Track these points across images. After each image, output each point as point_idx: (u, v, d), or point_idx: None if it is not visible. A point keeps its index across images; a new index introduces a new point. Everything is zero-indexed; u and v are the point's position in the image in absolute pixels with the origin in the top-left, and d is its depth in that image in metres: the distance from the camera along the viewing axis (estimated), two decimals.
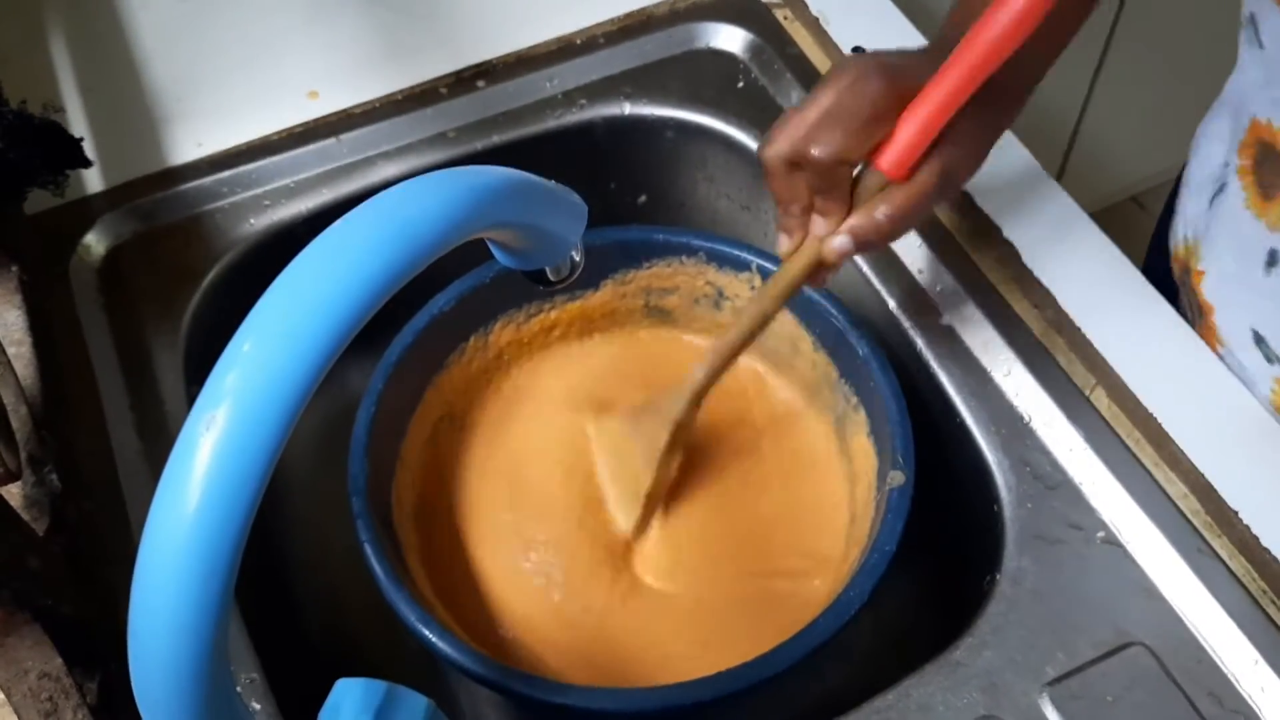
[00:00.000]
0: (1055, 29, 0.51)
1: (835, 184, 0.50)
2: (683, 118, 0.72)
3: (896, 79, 0.49)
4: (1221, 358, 0.60)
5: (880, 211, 0.50)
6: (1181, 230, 0.66)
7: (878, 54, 0.51)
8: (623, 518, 0.60)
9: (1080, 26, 0.56)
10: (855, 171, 0.51)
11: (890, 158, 0.49)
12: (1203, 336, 0.60)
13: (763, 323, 0.55)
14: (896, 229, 0.51)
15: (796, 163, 0.50)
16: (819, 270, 0.54)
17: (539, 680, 0.51)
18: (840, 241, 0.51)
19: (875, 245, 0.52)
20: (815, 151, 0.49)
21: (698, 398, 0.58)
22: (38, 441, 0.52)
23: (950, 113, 0.48)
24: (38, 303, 0.59)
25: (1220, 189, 0.62)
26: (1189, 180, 0.67)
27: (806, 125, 0.49)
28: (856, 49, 0.72)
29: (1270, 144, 0.56)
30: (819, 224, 0.52)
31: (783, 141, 0.50)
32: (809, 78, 0.72)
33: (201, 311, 0.63)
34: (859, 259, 0.65)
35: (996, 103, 0.51)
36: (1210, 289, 0.61)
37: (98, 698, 0.46)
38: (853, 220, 0.51)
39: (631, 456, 0.60)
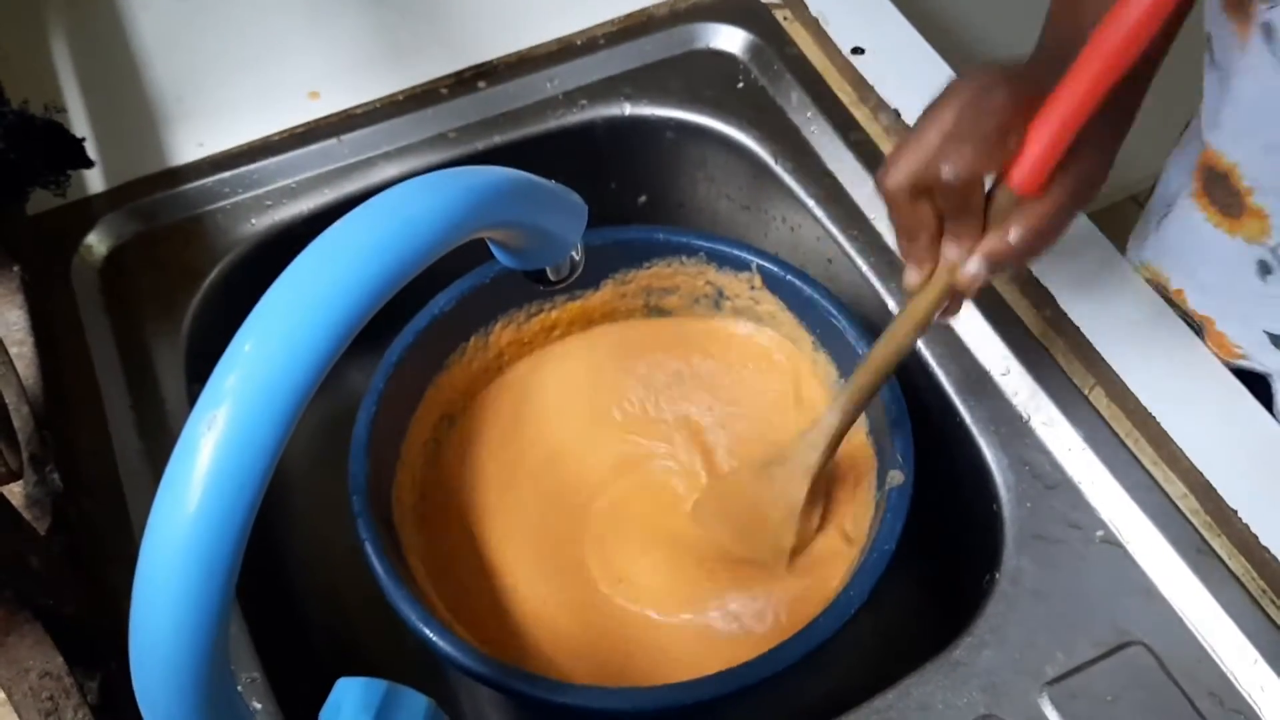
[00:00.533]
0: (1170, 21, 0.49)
1: (968, 207, 0.47)
2: (683, 118, 0.72)
3: (1021, 88, 0.46)
4: (1236, 365, 0.60)
5: (1014, 232, 0.47)
6: (1133, 255, 0.66)
7: (992, 66, 0.48)
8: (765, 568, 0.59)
9: (1187, 14, 0.54)
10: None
11: (1022, 172, 0.46)
12: (1212, 344, 0.60)
13: (896, 360, 0.53)
14: (1034, 248, 0.47)
15: (923, 189, 0.47)
16: (953, 299, 0.51)
17: (539, 679, 0.51)
18: (976, 267, 0.48)
19: (1012, 266, 0.49)
20: (946, 173, 0.45)
21: (832, 447, 0.56)
22: (39, 441, 0.53)
23: (1082, 120, 0.45)
24: (39, 303, 0.59)
25: (1166, 212, 0.62)
26: (1150, 207, 0.67)
27: (929, 148, 0.46)
28: (856, 50, 0.72)
29: (1213, 167, 0.56)
30: (951, 250, 0.49)
31: (906, 167, 0.47)
32: (808, 78, 0.72)
33: (202, 311, 0.63)
34: (858, 259, 0.65)
35: (1120, 104, 0.47)
36: (1198, 304, 0.61)
37: (98, 697, 0.46)
38: (988, 243, 0.47)
39: (764, 512, 0.58)
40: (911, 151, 0.47)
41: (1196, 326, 0.62)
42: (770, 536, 0.58)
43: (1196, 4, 0.57)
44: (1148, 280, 0.63)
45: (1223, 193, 0.56)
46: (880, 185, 0.49)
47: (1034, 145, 0.46)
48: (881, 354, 0.53)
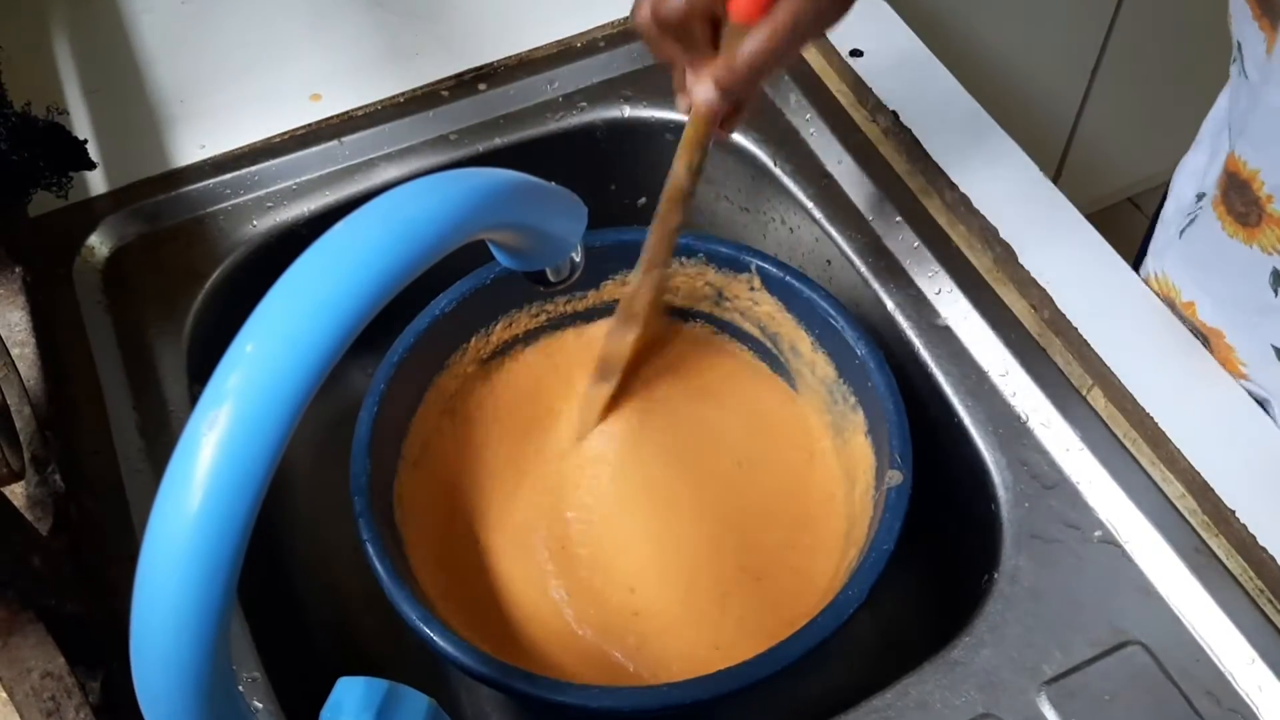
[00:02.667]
0: None
1: (693, 39, 0.49)
2: (682, 120, 0.71)
3: None
4: (1242, 382, 0.60)
5: (738, 57, 0.48)
6: (1150, 266, 0.66)
7: None
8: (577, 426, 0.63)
9: None
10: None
11: (737, 4, 0.47)
12: (1218, 358, 0.60)
13: (680, 190, 0.55)
14: (755, 71, 0.48)
15: (665, 21, 0.49)
16: (720, 122, 0.53)
17: (540, 678, 0.51)
18: (702, 91, 0.50)
19: (740, 90, 0.50)
20: (667, 10, 0.48)
21: (646, 269, 0.59)
22: (41, 441, 0.53)
23: None
24: (41, 304, 0.60)
25: (1190, 221, 0.62)
26: (1163, 217, 0.67)
27: None
28: (855, 52, 0.72)
29: (1235, 174, 0.55)
30: (689, 79, 0.51)
31: (642, 5, 0.49)
32: (807, 80, 0.72)
33: (204, 312, 0.64)
34: (856, 260, 0.65)
35: None
36: (1209, 316, 0.61)
37: (100, 696, 0.46)
38: (712, 69, 0.49)
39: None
40: None
41: (1204, 339, 0.62)
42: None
43: (1220, 12, 0.57)
44: (1156, 293, 0.62)
45: (1241, 200, 0.56)
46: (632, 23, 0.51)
47: None
48: (668, 185, 0.55)
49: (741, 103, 0.53)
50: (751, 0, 0.47)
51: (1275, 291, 0.56)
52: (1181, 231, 0.62)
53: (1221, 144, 0.60)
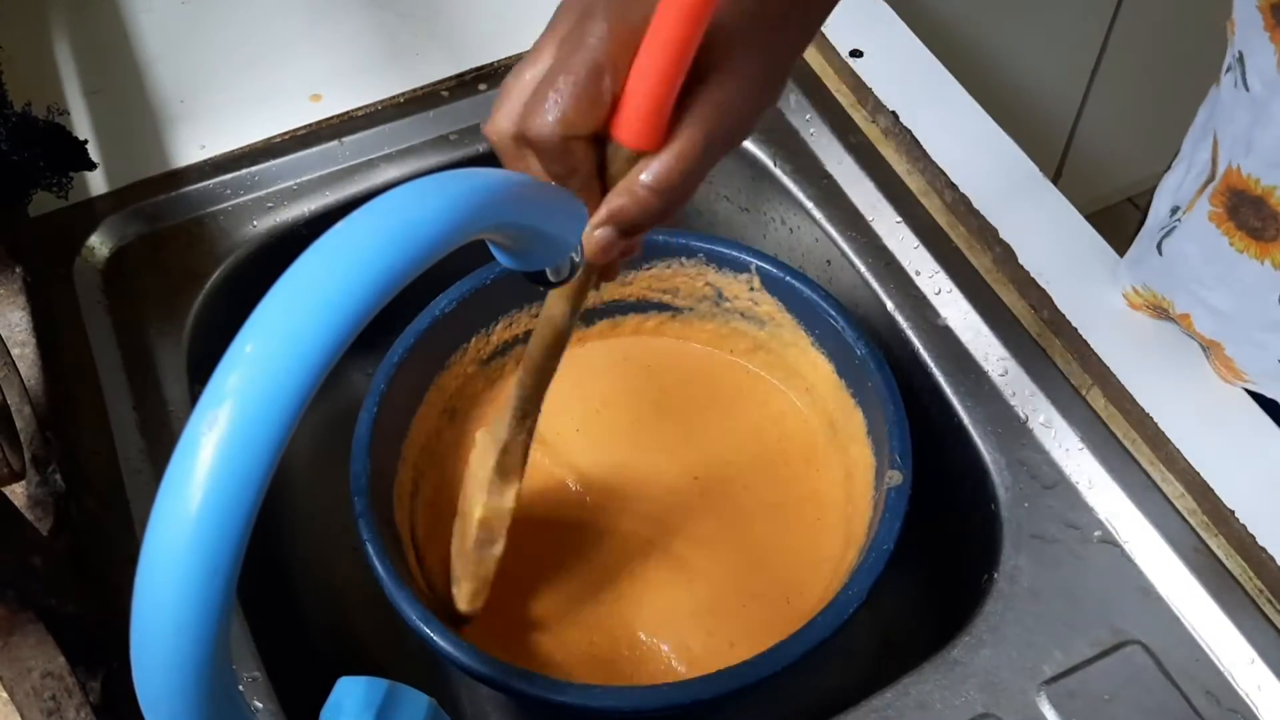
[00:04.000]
0: None
1: (573, 167, 0.39)
2: None
3: (623, 15, 0.37)
4: (1244, 387, 0.59)
5: (640, 185, 0.38)
6: (1128, 279, 0.64)
7: None
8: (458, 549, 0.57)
9: None
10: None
11: (628, 125, 0.37)
12: (1217, 367, 0.60)
13: (558, 334, 0.47)
14: (667, 202, 0.39)
15: (523, 140, 0.39)
16: (601, 270, 0.44)
17: (539, 678, 0.51)
18: (602, 235, 0.40)
19: (647, 226, 0.40)
20: (537, 128, 0.37)
21: (519, 419, 0.52)
22: (42, 441, 0.53)
23: (690, 50, 0.36)
24: (42, 304, 0.60)
25: (1167, 233, 0.60)
26: (1145, 231, 0.65)
27: (525, 92, 0.38)
28: (854, 53, 0.72)
29: (1243, 191, 0.54)
30: None
31: (501, 114, 0.39)
32: (807, 81, 0.72)
33: (204, 312, 0.64)
34: (856, 260, 0.65)
35: (777, 17, 0.40)
36: (1208, 329, 0.60)
37: (100, 696, 0.46)
38: (611, 203, 0.39)
39: (470, 482, 0.56)
40: (506, 95, 0.39)
41: (1202, 347, 0.61)
42: (470, 506, 0.56)
43: (1220, 12, 0.56)
44: (1142, 304, 0.62)
45: (1254, 216, 0.55)
46: (484, 132, 0.41)
47: (634, 90, 0.37)
48: (539, 327, 0.47)
49: (637, 241, 0.42)
50: (647, 123, 0.37)
51: None
52: (1159, 245, 0.61)
53: (1201, 155, 0.59)
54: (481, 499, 0.55)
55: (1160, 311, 0.62)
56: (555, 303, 0.46)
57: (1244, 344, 0.58)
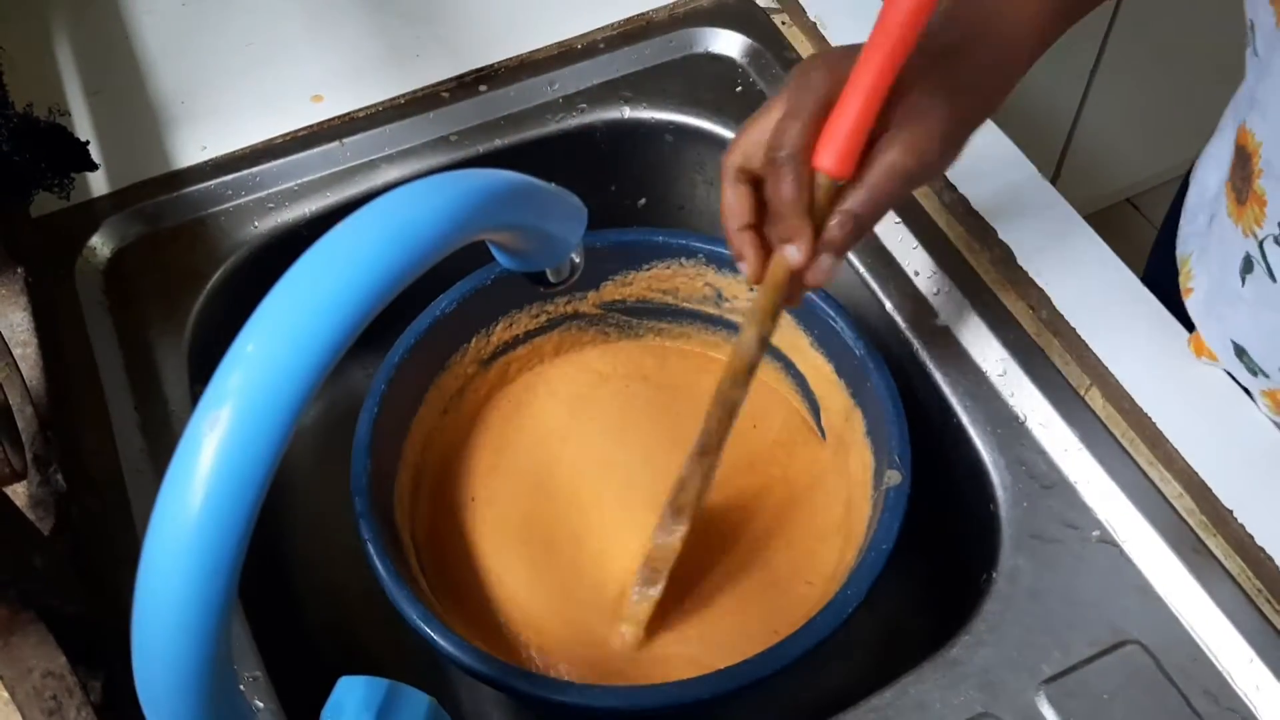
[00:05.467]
0: (1043, 13, 0.48)
1: (792, 192, 0.45)
2: (682, 121, 0.72)
3: (838, 65, 0.45)
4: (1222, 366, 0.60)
5: (844, 212, 0.45)
6: (1179, 249, 0.66)
7: (842, 47, 0.47)
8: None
9: (1077, 17, 0.52)
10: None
11: (827, 154, 0.44)
12: (1197, 348, 0.60)
13: (747, 364, 0.50)
14: (856, 228, 0.46)
15: (750, 173, 0.47)
16: (793, 289, 0.48)
17: (539, 678, 0.51)
18: (827, 261, 0.46)
19: (839, 254, 0.47)
20: (771, 154, 0.45)
21: (698, 458, 0.53)
22: (43, 441, 0.53)
23: (880, 95, 0.43)
24: (43, 304, 0.60)
25: (1216, 211, 0.61)
26: (1187, 206, 0.67)
27: (763, 130, 0.46)
28: None
29: (1243, 146, 0.55)
30: (777, 239, 0.47)
31: (736, 146, 0.47)
32: None
33: (205, 313, 0.64)
34: (855, 261, 0.65)
35: (967, 83, 0.46)
36: (1194, 306, 0.61)
37: (101, 696, 0.46)
38: (828, 233, 0.46)
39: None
40: (745, 133, 0.47)
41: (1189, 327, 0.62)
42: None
43: (1219, 12, 0.56)
44: (1179, 272, 0.62)
45: (1240, 175, 0.56)
46: (722, 166, 0.48)
47: (835, 124, 0.44)
48: (733, 355, 0.50)
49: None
50: (841, 154, 0.44)
51: (1243, 280, 0.56)
52: (1211, 219, 0.62)
53: (1235, 125, 0.59)
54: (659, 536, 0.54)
55: (1177, 287, 0.62)
56: (746, 331, 0.50)
57: (1211, 320, 0.59)
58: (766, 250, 0.48)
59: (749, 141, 0.47)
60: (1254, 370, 0.57)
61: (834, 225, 0.45)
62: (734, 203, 0.47)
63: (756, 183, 0.47)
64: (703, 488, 0.53)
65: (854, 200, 0.45)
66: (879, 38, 0.43)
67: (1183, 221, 0.67)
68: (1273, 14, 0.52)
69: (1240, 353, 0.58)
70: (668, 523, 0.54)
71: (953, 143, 0.47)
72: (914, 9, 0.42)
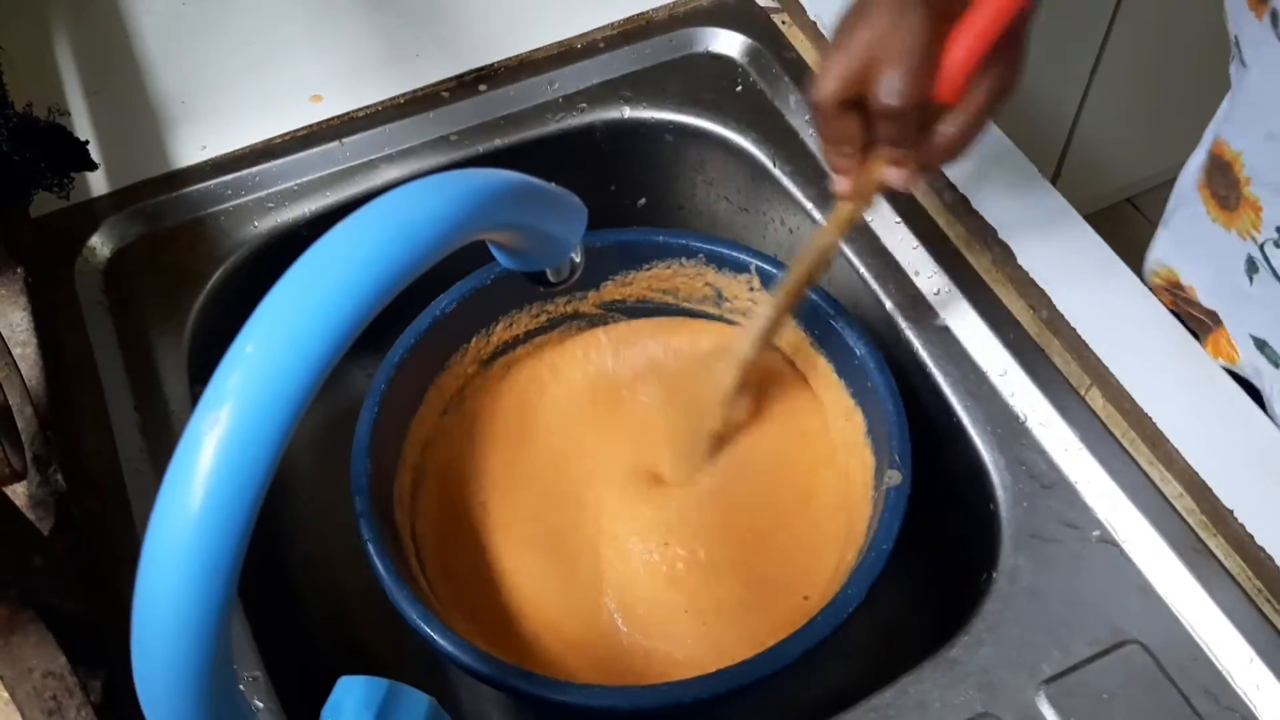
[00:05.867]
0: None
1: (907, 123, 0.49)
2: (682, 121, 0.72)
3: (937, 3, 0.48)
4: (1231, 369, 0.60)
5: (941, 135, 0.50)
6: (1155, 257, 0.66)
7: None
8: (676, 466, 0.62)
9: None
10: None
11: (943, 81, 0.49)
12: (1215, 348, 0.60)
13: (824, 259, 0.56)
14: (954, 151, 0.51)
15: (851, 102, 0.50)
16: (873, 203, 0.54)
17: (540, 677, 0.51)
18: (900, 175, 0.51)
19: (939, 166, 0.53)
20: (888, 95, 0.48)
21: (763, 337, 0.59)
22: (43, 441, 0.53)
23: (1002, 27, 0.48)
24: (43, 304, 0.60)
25: (1176, 208, 0.62)
26: (1166, 213, 0.67)
27: (857, 63, 0.48)
28: None
29: (1219, 156, 0.56)
30: (883, 159, 0.51)
31: (835, 81, 0.49)
32: (805, 81, 0.72)
33: (205, 313, 0.64)
34: (855, 260, 0.65)
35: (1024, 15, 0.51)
36: (1208, 299, 0.61)
37: (101, 696, 0.46)
38: (916, 153, 0.51)
39: (695, 401, 0.61)
40: (838, 66, 0.49)
41: (1205, 322, 0.62)
42: (695, 426, 0.61)
43: (1219, 12, 0.57)
44: (1161, 284, 0.63)
45: (1223, 183, 0.56)
46: (810, 100, 0.51)
47: (954, 54, 0.48)
48: (810, 252, 0.56)
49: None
50: (956, 81, 0.48)
51: (1250, 280, 0.57)
52: (1170, 219, 0.63)
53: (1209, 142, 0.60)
54: (718, 415, 0.60)
55: (1177, 292, 0.63)
56: (826, 236, 0.55)
57: (1229, 317, 0.59)
58: (859, 167, 0.53)
59: (844, 74, 0.49)
60: (1276, 362, 0.58)
61: (936, 149, 0.51)
62: (845, 130, 0.51)
63: (851, 107, 0.50)
64: (759, 368, 0.60)
65: (953, 124, 0.50)
66: None
67: (1162, 228, 0.67)
68: (1252, 22, 0.52)
69: (1261, 345, 0.58)
70: (737, 401, 0.62)
71: (1020, 73, 0.51)
72: None
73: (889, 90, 0.48)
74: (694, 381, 0.62)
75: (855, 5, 0.50)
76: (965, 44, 0.48)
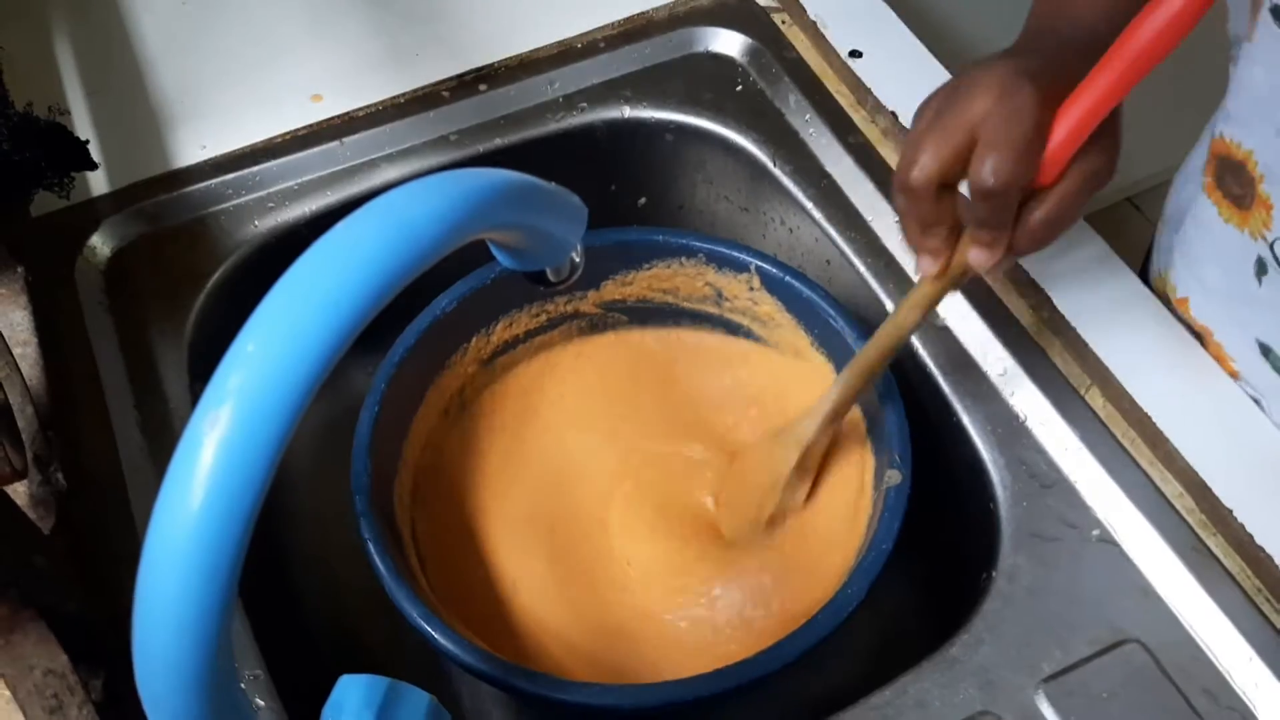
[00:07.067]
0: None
1: (1007, 207, 0.47)
2: (682, 121, 0.72)
3: (1042, 85, 0.46)
4: (1237, 381, 0.60)
5: (1033, 221, 0.48)
6: (1156, 264, 0.66)
7: (996, 62, 0.48)
8: (733, 536, 0.61)
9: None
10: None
11: (1047, 171, 0.47)
12: (1215, 359, 0.60)
13: (901, 340, 0.54)
14: (1048, 236, 0.49)
15: (946, 184, 0.48)
16: (961, 283, 0.52)
17: (540, 676, 0.51)
18: (985, 256, 0.49)
19: (1023, 254, 0.50)
20: (990, 180, 0.45)
21: (830, 421, 0.57)
22: (43, 441, 0.53)
23: (1104, 114, 0.46)
24: (43, 303, 0.60)
25: (1182, 217, 0.62)
26: (1165, 215, 0.67)
27: (955, 145, 0.47)
28: (854, 53, 0.72)
29: (1227, 157, 0.56)
30: (976, 241, 0.49)
31: (932, 163, 0.47)
32: (807, 81, 0.72)
33: (206, 312, 0.64)
34: (855, 260, 0.65)
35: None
36: (1200, 312, 0.61)
37: (102, 694, 0.46)
38: (1008, 237, 0.48)
39: (757, 479, 0.60)
40: (935, 148, 0.47)
41: (1198, 337, 0.62)
42: (753, 503, 0.60)
43: (1218, 11, 0.57)
44: (1155, 292, 0.63)
45: (1237, 182, 0.56)
46: (902, 179, 0.49)
47: (1055, 137, 0.46)
48: (889, 333, 0.54)
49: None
50: (1055, 163, 0.46)
51: (1260, 281, 0.56)
52: (1179, 227, 0.62)
53: (1207, 141, 0.60)
54: (774, 498, 0.58)
55: (1167, 299, 0.63)
56: (907, 313, 0.53)
57: (1229, 324, 0.59)
58: (951, 249, 0.51)
59: (942, 156, 0.47)
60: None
61: (1028, 234, 0.48)
62: (940, 213, 0.49)
63: (944, 189, 0.48)
64: (823, 451, 0.59)
65: (1048, 208, 0.47)
66: (1124, 54, 0.44)
67: (1160, 234, 0.67)
68: (1250, 19, 0.52)
69: (1266, 351, 0.58)
70: (794, 485, 0.59)
71: (1118, 155, 0.50)
72: (1163, 40, 0.44)
73: (993, 171, 0.45)
74: (755, 462, 0.60)
75: (952, 85, 0.49)
76: (1069, 125, 0.46)
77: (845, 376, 0.56)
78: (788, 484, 0.59)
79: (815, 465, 0.60)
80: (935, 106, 0.49)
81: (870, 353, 0.55)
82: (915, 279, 0.53)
